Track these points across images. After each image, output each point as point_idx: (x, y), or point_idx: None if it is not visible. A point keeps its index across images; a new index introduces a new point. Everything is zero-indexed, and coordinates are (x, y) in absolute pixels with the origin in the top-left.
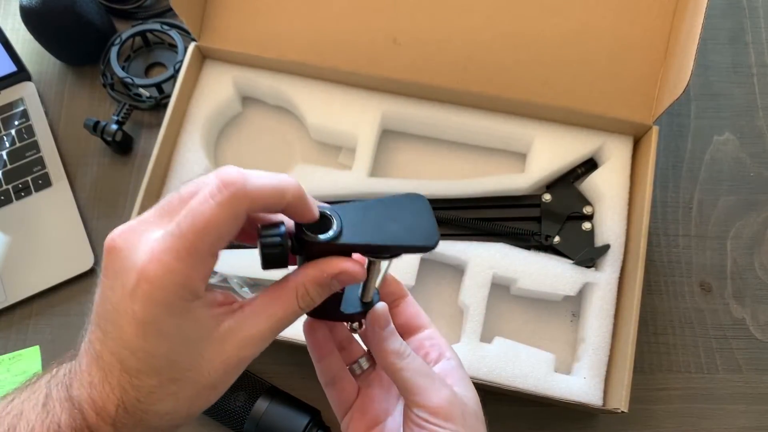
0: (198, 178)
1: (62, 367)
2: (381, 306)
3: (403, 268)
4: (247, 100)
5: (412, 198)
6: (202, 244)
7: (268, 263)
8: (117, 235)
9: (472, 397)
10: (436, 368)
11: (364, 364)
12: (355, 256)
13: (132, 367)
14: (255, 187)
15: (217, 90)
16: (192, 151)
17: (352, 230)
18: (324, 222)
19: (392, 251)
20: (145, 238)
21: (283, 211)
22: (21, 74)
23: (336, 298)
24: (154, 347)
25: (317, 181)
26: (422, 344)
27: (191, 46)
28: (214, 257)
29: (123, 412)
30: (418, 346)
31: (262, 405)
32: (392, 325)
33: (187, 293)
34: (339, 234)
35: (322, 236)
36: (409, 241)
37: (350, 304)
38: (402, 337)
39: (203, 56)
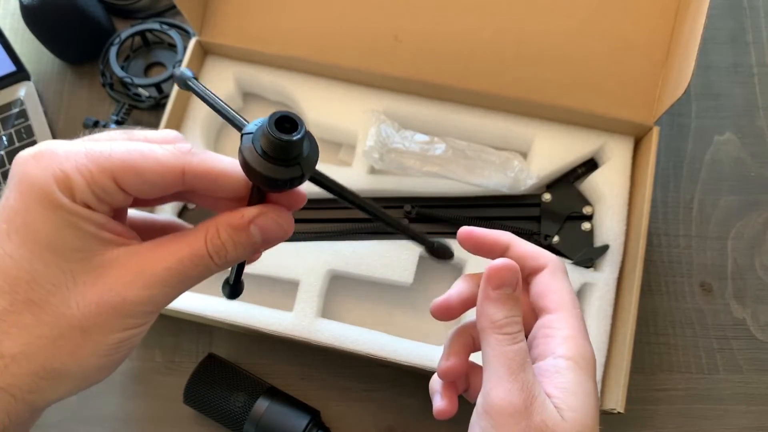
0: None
1: None
2: (501, 263)
3: (401, 266)
4: (248, 95)
5: None
6: (121, 173)
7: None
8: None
9: (575, 417)
10: (539, 364)
11: None
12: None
13: None
14: (200, 163)
15: (218, 85)
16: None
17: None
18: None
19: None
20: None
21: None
22: (20, 74)
23: None
24: (15, 247)
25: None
26: (536, 332)
27: (192, 41)
28: (125, 196)
29: None
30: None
31: (262, 405)
32: (506, 289)
33: (66, 194)
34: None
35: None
36: None
37: None
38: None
39: (204, 51)
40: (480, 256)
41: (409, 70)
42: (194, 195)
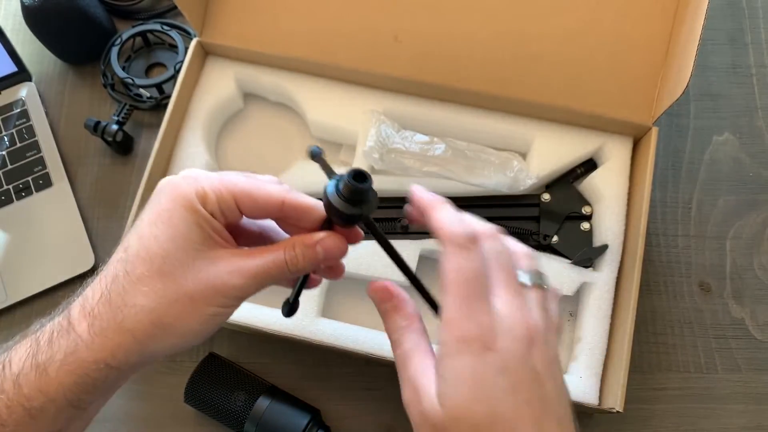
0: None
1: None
2: (378, 286)
3: None
4: (249, 96)
5: None
6: (240, 196)
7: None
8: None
9: (454, 405)
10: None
11: None
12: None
13: (132, 250)
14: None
15: (218, 86)
16: (193, 146)
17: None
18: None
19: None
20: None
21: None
22: (21, 74)
23: None
24: (159, 232)
25: (317, 179)
26: None
27: (193, 42)
28: (239, 215)
29: (104, 301)
30: None
31: (262, 404)
32: (385, 304)
33: (200, 203)
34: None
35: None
36: None
37: None
38: None
39: (205, 52)
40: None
41: (409, 70)
42: (282, 221)
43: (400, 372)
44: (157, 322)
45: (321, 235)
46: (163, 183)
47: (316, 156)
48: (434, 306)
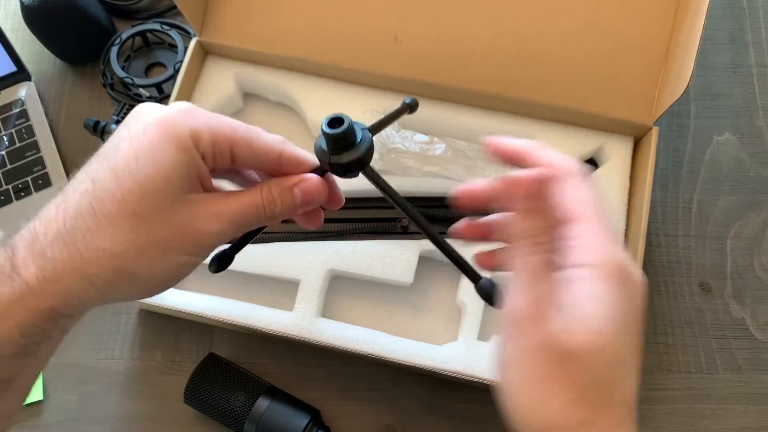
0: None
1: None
2: (528, 174)
3: (401, 266)
4: (249, 96)
5: None
6: (238, 143)
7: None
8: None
9: (585, 328)
10: (562, 274)
11: None
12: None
13: (103, 185)
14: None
15: (218, 86)
16: None
17: None
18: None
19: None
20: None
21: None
22: (21, 74)
23: None
24: (139, 168)
25: None
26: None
27: (193, 42)
28: (230, 162)
29: (60, 241)
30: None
31: (262, 405)
32: (533, 201)
33: (194, 144)
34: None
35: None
36: None
37: None
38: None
39: (205, 52)
40: (509, 165)
41: (409, 70)
42: (270, 174)
43: (526, 279)
44: (121, 269)
45: (298, 177)
46: (152, 111)
47: (414, 108)
48: (468, 273)
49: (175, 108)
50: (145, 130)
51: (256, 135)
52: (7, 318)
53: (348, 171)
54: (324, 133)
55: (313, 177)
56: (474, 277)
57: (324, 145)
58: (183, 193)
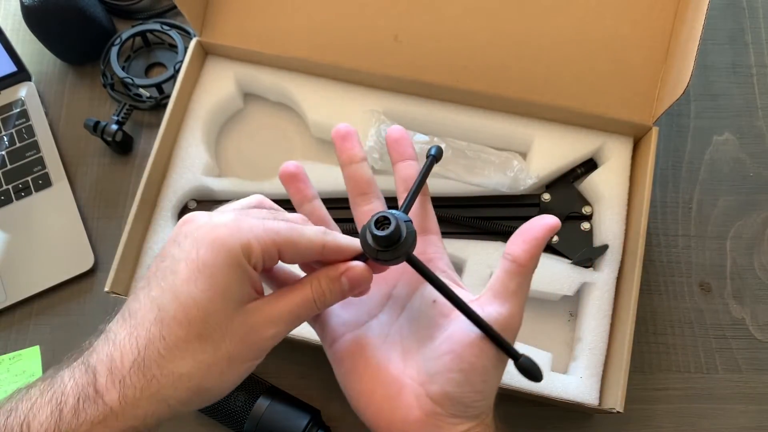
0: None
1: (80, 350)
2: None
3: (401, 266)
4: (249, 96)
5: None
6: (284, 246)
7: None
8: (196, 212)
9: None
10: None
11: None
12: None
13: (168, 312)
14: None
15: (218, 86)
16: (193, 146)
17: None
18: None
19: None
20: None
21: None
22: (21, 74)
23: None
24: (199, 292)
25: (317, 178)
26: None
27: (193, 42)
28: (273, 262)
29: (137, 369)
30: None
31: (262, 404)
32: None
33: (245, 258)
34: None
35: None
36: None
37: None
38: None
39: (205, 52)
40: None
41: (409, 70)
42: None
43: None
44: (195, 389)
45: (345, 266)
46: (201, 227)
47: (439, 157)
48: (507, 351)
49: (222, 222)
50: (198, 251)
51: (299, 234)
52: None
53: (393, 262)
54: (373, 235)
55: (359, 265)
56: (514, 356)
57: (371, 241)
58: (240, 305)
